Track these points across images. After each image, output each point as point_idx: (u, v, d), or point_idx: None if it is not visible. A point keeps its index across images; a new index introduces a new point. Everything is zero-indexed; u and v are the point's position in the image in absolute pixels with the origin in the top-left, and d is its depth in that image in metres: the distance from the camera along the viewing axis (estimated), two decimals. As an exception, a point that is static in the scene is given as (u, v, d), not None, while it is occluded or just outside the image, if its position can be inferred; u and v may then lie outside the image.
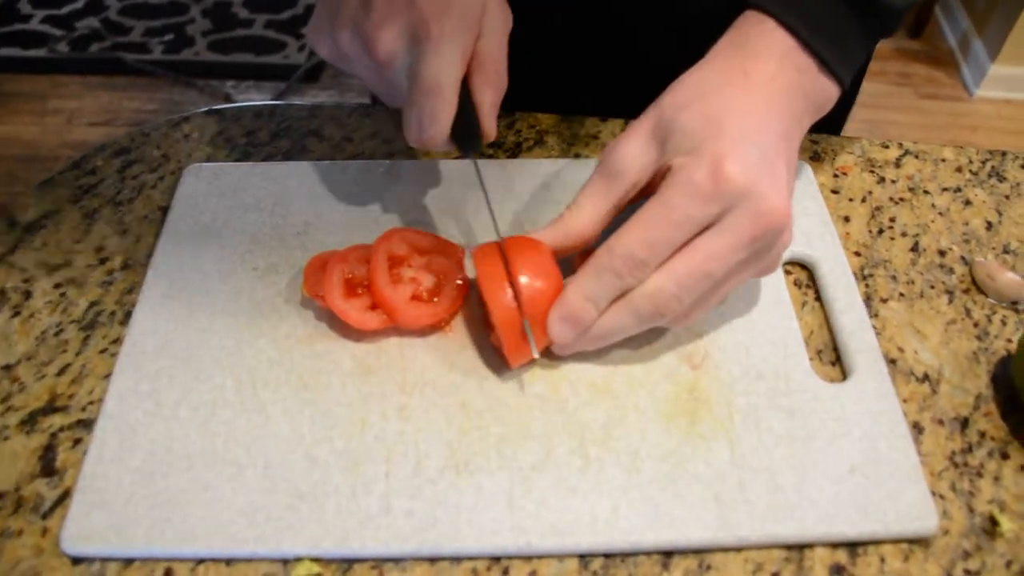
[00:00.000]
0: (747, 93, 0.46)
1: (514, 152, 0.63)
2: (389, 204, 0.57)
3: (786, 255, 0.55)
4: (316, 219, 0.56)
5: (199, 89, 2.52)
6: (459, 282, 0.50)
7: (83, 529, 0.41)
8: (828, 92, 0.49)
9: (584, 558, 0.42)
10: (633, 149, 0.46)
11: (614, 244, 0.44)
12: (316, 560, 0.41)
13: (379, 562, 0.41)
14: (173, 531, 0.41)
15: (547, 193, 0.58)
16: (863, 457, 0.44)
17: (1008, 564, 0.42)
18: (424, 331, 0.50)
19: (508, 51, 0.50)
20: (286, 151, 0.63)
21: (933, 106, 2.37)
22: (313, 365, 0.48)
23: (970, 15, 2.50)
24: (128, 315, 0.52)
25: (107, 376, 0.48)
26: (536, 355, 0.46)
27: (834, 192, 0.61)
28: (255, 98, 2.49)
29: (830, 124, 0.70)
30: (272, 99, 2.47)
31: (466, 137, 0.48)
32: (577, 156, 0.62)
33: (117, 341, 0.50)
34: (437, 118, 0.46)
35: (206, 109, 0.66)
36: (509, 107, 0.65)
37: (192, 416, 0.46)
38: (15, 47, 2.69)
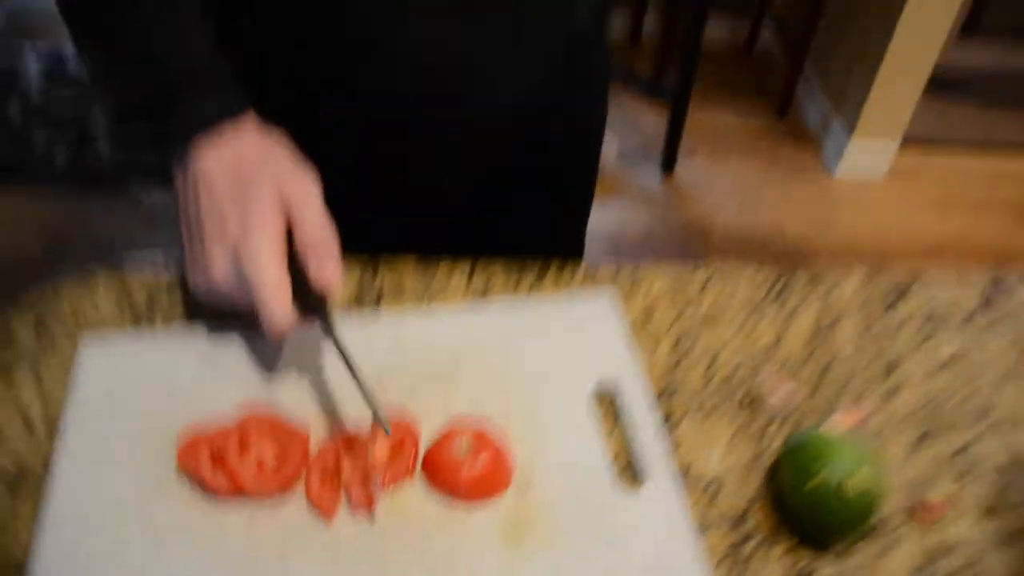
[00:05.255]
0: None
1: (378, 300, 0.73)
2: (276, 368, 0.65)
3: (593, 385, 0.66)
4: (212, 389, 0.64)
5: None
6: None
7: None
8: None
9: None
10: None
11: None
12: None
13: None
14: None
15: (402, 347, 0.68)
16: (653, 556, 0.55)
17: (767, 638, 0.53)
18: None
19: (337, 202, 0.61)
20: (193, 304, 0.70)
21: (799, 186, 2.58)
22: (214, 529, 0.56)
23: (828, 94, 2.74)
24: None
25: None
26: None
27: (646, 323, 0.73)
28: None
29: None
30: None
31: (310, 306, 0.58)
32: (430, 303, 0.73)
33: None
34: (273, 302, 0.55)
35: (107, 269, 0.74)
36: (368, 250, 0.76)
37: None
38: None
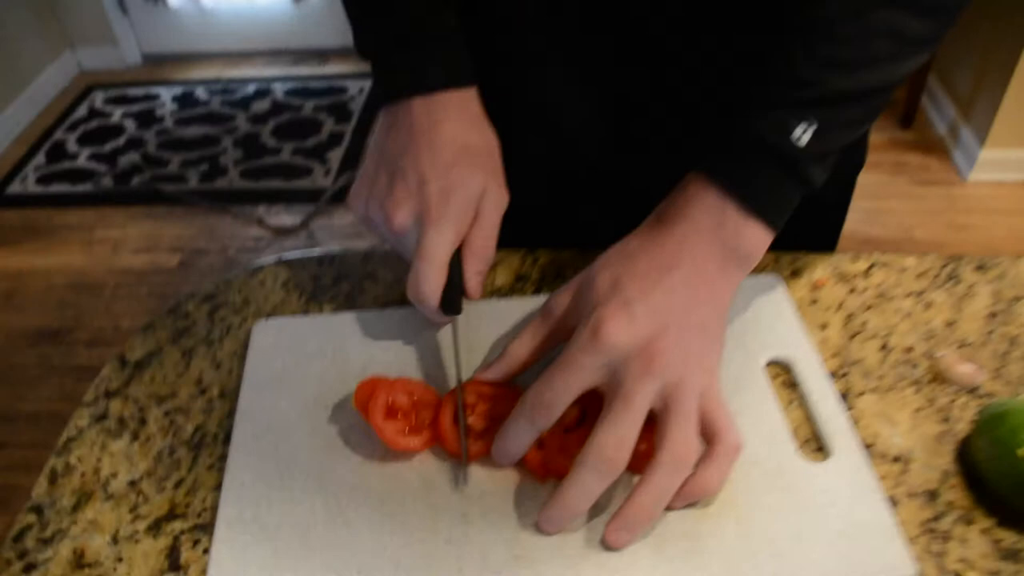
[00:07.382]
0: (654, 255, 0.56)
1: (539, 287, 0.74)
2: (429, 347, 0.68)
3: (767, 359, 0.65)
4: (371, 361, 0.67)
5: (233, 215, 2.68)
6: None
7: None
8: (754, 240, 0.57)
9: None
10: (563, 298, 0.59)
11: (526, 395, 0.55)
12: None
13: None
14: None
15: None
16: (847, 523, 0.54)
17: (973, 613, 0.51)
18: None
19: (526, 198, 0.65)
20: (347, 292, 0.74)
21: (929, 192, 2.50)
22: (386, 485, 0.58)
23: (955, 104, 2.65)
24: (228, 436, 0.62)
25: (217, 487, 0.59)
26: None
27: (813, 303, 0.71)
28: (286, 221, 2.64)
29: (825, 238, 0.83)
30: (302, 221, 2.62)
31: (449, 303, 0.62)
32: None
33: (222, 457, 0.61)
34: (428, 281, 0.60)
35: (275, 259, 0.78)
36: (535, 244, 0.77)
37: (291, 535, 0.55)
38: (64, 183, 2.89)
